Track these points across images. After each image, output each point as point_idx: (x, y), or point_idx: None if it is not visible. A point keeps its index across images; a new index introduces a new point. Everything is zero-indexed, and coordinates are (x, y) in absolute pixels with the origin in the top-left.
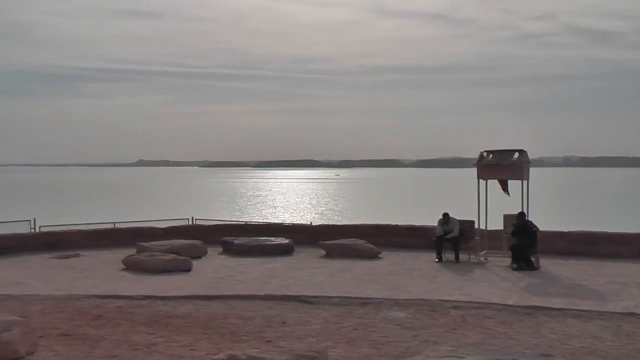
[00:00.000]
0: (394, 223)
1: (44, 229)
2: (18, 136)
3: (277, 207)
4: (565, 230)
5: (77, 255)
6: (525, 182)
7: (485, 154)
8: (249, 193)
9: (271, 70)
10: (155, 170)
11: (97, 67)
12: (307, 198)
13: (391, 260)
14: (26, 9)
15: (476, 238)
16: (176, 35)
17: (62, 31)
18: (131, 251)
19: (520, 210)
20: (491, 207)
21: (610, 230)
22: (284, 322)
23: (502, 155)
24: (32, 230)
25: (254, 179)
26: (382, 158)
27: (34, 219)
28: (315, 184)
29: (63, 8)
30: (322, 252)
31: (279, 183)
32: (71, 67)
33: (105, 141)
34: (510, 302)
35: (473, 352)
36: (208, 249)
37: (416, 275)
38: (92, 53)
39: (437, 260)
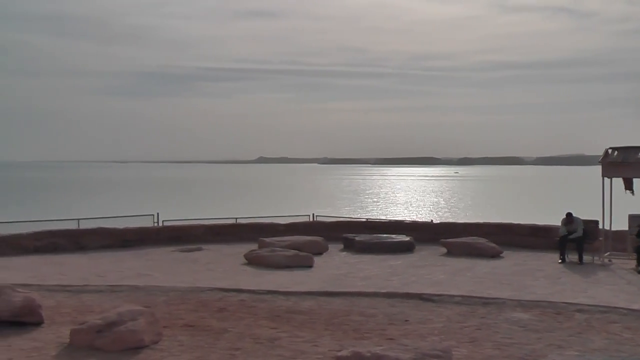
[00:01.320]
0: (515, 222)
1: (167, 224)
2: (140, 134)
3: (398, 204)
4: None
5: (199, 249)
6: None
7: (610, 151)
8: (369, 190)
9: (390, 67)
10: (275, 167)
11: (218, 67)
12: (427, 196)
13: (513, 260)
14: (149, 12)
15: (600, 239)
16: (295, 34)
17: (183, 33)
18: (253, 246)
19: None
20: (616, 206)
21: None
22: (406, 320)
23: (628, 152)
24: (156, 225)
25: (373, 176)
26: (502, 155)
27: (157, 214)
28: (434, 181)
29: (184, 11)
30: (443, 250)
31: (398, 180)
32: (192, 68)
33: (226, 139)
34: (636, 307)
35: (600, 358)
36: (329, 245)
37: (539, 276)
38: (212, 53)
39: (560, 261)
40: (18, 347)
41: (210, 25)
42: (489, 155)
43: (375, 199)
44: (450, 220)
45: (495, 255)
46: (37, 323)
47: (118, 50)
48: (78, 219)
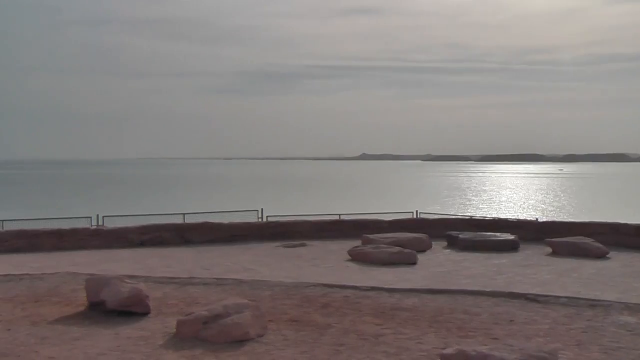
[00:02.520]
0: (622, 221)
1: (271, 219)
2: (245, 132)
3: (501, 202)
4: None
5: (303, 245)
6: None
7: None
8: (472, 187)
9: (493, 62)
10: (378, 164)
11: (321, 64)
12: (531, 193)
13: (620, 261)
14: (253, 12)
15: None
16: (399, 30)
17: (286, 31)
18: (356, 242)
19: None
20: None
21: None
22: (511, 320)
23: None
24: (260, 220)
25: (476, 174)
26: (608, 152)
27: (262, 209)
28: (538, 179)
29: (287, 9)
30: (548, 249)
31: (501, 177)
32: (296, 65)
33: (329, 136)
34: None
35: None
36: (433, 243)
37: None
38: (315, 51)
39: None
40: (126, 335)
41: (314, 23)
42: (594, 152)
43: (478, 196)
44: (555, 219)
45: (601, 256)
46: (144, 313)
47: (223, 51)
48: (183, 214)
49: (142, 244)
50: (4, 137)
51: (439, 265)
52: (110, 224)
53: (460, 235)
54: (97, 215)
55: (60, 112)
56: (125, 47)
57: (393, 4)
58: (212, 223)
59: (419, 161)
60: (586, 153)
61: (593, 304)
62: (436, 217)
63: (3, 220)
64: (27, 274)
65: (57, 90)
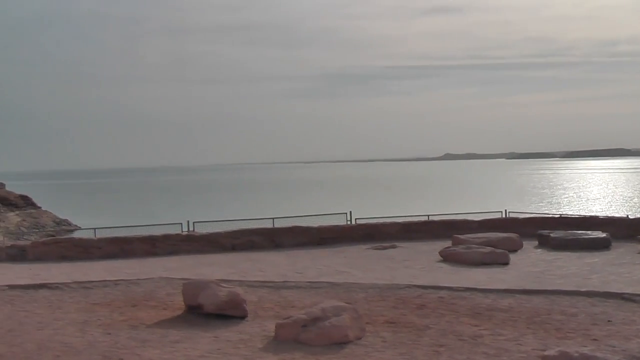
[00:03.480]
0: None
1: (359, 221)
2: (326, 135)
3: (590, 199)
4: None
5: (393, 247)
6: None
7: None
8: (559, 185)
9: (576, 56)
10: (462, 164)
11: (402, 65)
12: (620, 189)
13: None
14: (331, 15)
15: None
16: (478, 27)
17: (366, 33)
18: (445, 243)
19: None
20: None
21: None
22: (609, 321)
23: None
24: (349, 222)
25: (562, 170)
26: None
27: (350, 212)
28: (626, 174)
29: (366, 10)
30: None
31: (588, 174)
32: (376, 67)
33: (411, 136)
34: None
35: None
36: (523, 242)
37: None
38: (397, 51)
39: None
40: (225, 338)
41: (392, 23)
42: None
43: (566, 194)
44: None
45: None
46: (242, 316)
47: (303, 54)
48: (273, 218)
49: (233, 248)
50: (93, 146)
51: (532, 265)
52: (200, 230)
53: (552, 234)
54: (188, 221)
55: (146, 120)
56: (207, 54)
57: (474, 1)
58: (302, 227)
59: (503, 159)
60: None
61: None
62: (526, 216)
63: (95, 228)
64: (122, 280)
65: (141, 99)
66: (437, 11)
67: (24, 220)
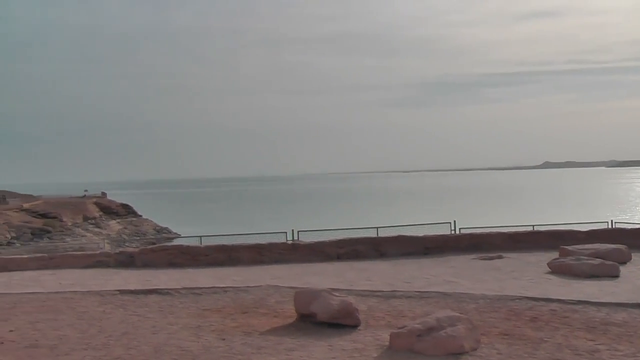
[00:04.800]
0: None
1: (463, 231)
2: (425, 143)
3: None
4: None
5: (499, 257)
6: None
7: None
8: None
9: None
10: (561, 172)
11: (499, 72)
12: None
13: None
14: (428, 23)
15: None
16: (578, 31)
17: (463, 40)
18: (551, 254)
19: None
20: None
21: None
22: None
23: None
24: (453, 232)
25: None
26: None
27: (454, 221)
28: None
29: (464, 18)
30: None
31: None
32: (474, 74)
33: (509, 144)
34: None
35: None
36: (632, 254)
37: None
38: (493, 58)
39: None
40: (339, 347)
41: (491, 29)
42: None
43: None
44: None
45: None
46: (354, 325)
47: (399, 63)
48: (377, 227)
49: (338, 257)
50: (193, 156)
51: None
52: (304, 239)
53: None
54: (292, 230)
55: (244, 131)
56: (304, 65)
57: (571, 4)
58: (407, 236)
59: (603, 168)
60: None
61: None
62: (634, 226)
63: (201, 236)
64: (230, 287)
65: (240, 110)
66: (535, 16)
67: (125, 227)
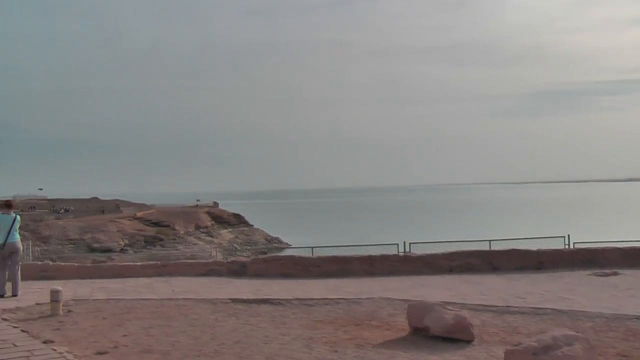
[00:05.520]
0: None
1: (577, 245)
2: (537, 154)
3: None
4: None
5: (615, 274)
6: None
7: None
8: None
9: None
10: None
11: (612, 79)
12: None
13: None
14: (540, 31)
15: None
16: None
17: (574, 48)
18: None
19: None
20: None
21: None
22: None
23: None
24: (567, 246)
25: None
26: None
27: (568, 235)
28: None
29: (575, 24)
30: None
31: None
32: (586, 82)
33: (623, 155)
34: None
35: None
36: None
37: None
38: (605, 65)
39: None
40: None
41: (601, 36)
42: None
43: None
44: None
45: None
46: (468, 341)
47: (510, 72)
48: (489, 240)
49: (450, 270)
50: (315, 166)
51: None
52: (416, 251)
53: None
54: (404, 242)
55: (354, 142)
56: (413, 75)
57: None
58: (520, 250)
59: None
60: None
61: None
62: None
63: (313, 247)
64: (342, 298)
65: (350, 121)
66: None
67: (236, 237)
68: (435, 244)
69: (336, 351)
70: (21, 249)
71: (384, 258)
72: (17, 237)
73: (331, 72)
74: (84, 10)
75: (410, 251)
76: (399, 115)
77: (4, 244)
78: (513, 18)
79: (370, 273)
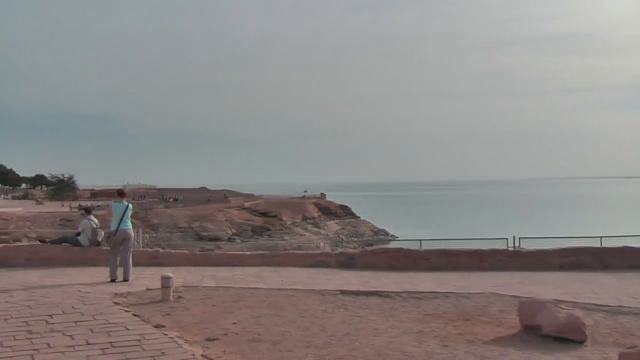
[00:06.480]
0: None
1: None
2: None
3: None
4: None
5: None
6: None
7: None
8: None
9: None
10: None
11: None
12: None
13: None
14: None
15: None
16: None
17: None
18: None
19: None
20: None
21: None
22: None
23: None
24: None
25: None
26: None
27: None
28: None
29: None
30: None
31: None
32: None
33: None
34: None
35: None
36: None
37: None
38: None
39: None
40: None
41: None
42: None
43: None
44: None
45: None
46: (580, 341)
47: (620, 63)
48: (600, 237)
49: (561, 267)
50: (417, 159)
51: None
52: (525, 246)
53: None
54: (514, 237)
55: (463, 134)
56: (521, 66)
57: None
58: (633, 247)
59: None
60: None
61: None
62: None
63: (421, 240)
64: (452, 292)
65: (460, 113)
66: None
67: (343, 228)
68: (545, 239)
69: (446, 346)
70: (133, 236)
71: (493, 253)
72: (129, 224)
73: (438, 65)
74: (194, 5)
75: (519, 246)
76: (510, 107)
77: (116, 231)
78: (617, 7)
79: (479, 267)
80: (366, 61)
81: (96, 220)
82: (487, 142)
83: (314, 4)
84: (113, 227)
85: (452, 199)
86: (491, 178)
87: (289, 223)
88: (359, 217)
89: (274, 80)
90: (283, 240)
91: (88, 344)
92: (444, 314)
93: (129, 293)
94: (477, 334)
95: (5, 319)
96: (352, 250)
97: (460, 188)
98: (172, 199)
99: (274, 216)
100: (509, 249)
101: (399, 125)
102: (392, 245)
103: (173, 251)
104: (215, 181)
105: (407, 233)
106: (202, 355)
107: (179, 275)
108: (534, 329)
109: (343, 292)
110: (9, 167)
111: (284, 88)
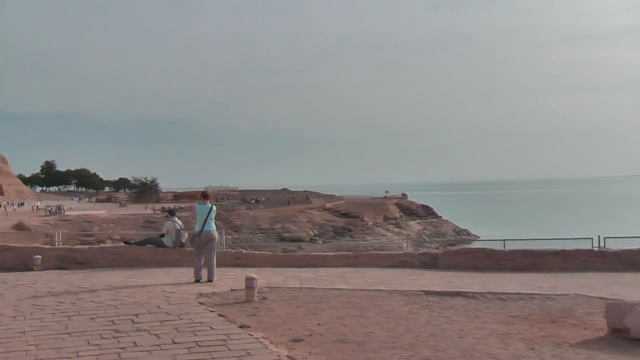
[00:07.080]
0: None
1: None
2: None
3: None
4: None
5: None
6: None
7: None
8: None
9: None
10: None
11: None
12: None
13: None
14: None
15: None
16: None
17: None
18: None
19: None
20: None
21: None
22: None
23: None
24: None
25: None
26: None
27: None
28: None
29: None
30: None
31: None
32: None
33: None
34: None
35: None
36: None
37: None
38: None
39: None
40: None
41: None
42: None
43: None
44: None
45: None
46: None
47: None
48: None
49: None
50: (498, 158)
51: None
52: (611, 246)
53: None
54: (598, 236)
55: (542, 131)
56: (599, 61)
57: None
58: None
59: None
60: None
61: None
62: None
63: (505, 240)
64: (537, 294)
65: (540, 110)
66: None
67: (424, 228)
68: (631, 239)
69: (533, 348)
70: (217, 237)
71: (577, 253)
72: (213, 225)
73: (518, 61)
74: (274, 8)
75: (605, 246)
76: (592, 103)
77: (200, 232)
78: None
79: (564, 268)
80: (447, 59)
81: (180, 222)
82: (566, 140)
83: (395, 2)
84: (197, 228)
85: (531, 198)
86: (570, 176)
87: (371, 224)
88: (440, 217)
89: (355, 81)
90: (365, 240)
91: (174, 343)
92: (530, 316)
93: (214, 293)
94: (564, 336)
95: (92, 318)
96: (435, 251)
97: (541, 187)
98: (253, 201)
99: (356, 217)
100: (594, 249)
101: (480, 123)
102: (475, 245)
103: (257, 252)
104: (296, 182)
105: (489, 233)
106: (287, 356)
107: (263, 276)
108: (621, 332)
109: (427, 293)
110: (93, 171)
111: (365, 88)
